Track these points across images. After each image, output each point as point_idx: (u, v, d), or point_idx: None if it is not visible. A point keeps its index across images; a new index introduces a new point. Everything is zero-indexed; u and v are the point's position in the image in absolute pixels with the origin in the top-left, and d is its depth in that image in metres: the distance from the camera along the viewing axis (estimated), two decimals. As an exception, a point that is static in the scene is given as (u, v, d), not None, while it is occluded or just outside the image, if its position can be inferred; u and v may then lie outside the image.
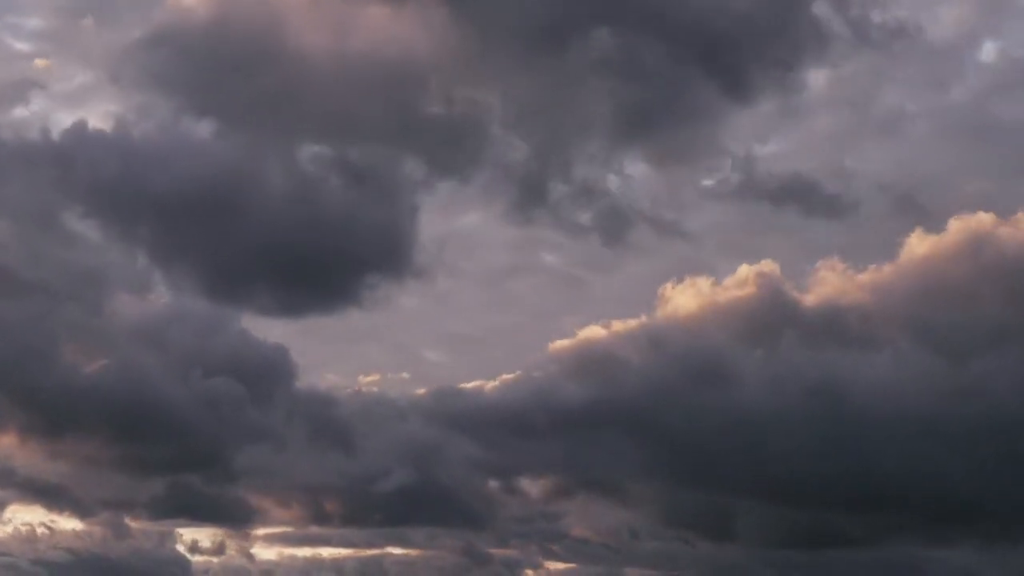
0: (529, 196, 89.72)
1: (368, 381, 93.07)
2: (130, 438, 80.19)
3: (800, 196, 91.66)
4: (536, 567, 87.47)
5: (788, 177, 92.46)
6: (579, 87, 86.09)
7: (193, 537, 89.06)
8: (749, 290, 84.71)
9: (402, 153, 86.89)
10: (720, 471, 79.99)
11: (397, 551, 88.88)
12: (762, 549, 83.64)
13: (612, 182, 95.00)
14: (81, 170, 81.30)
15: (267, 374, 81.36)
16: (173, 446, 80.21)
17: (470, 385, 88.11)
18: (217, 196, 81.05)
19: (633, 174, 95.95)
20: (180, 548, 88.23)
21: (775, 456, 77.78)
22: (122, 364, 78.43)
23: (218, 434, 79.57)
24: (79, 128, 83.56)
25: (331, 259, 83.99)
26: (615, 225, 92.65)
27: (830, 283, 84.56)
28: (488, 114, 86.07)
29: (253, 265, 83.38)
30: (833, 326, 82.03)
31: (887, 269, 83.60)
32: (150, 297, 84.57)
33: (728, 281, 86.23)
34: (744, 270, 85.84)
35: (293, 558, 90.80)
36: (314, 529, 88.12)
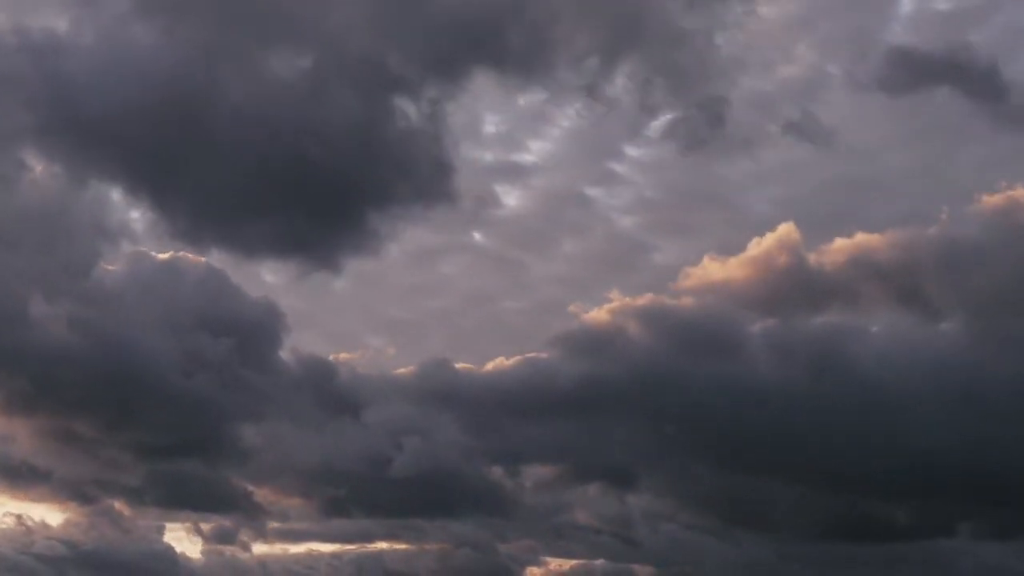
0: (584, 94, 79.21)
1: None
2: (103, 411, 73.52)
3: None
4: (539, 564, 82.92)
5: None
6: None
7: (182, 530, 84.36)
8: (766, 259, 79.45)
9: (411, 54, 73.08)
10: (746, 452, 74.17)
11: (398, 546, 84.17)
12: (792, 541, 77.39)
13: (703, 65, 79.77)
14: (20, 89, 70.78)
15: (256, 334, 74.41)
16: (149, 421, 73.32)
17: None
18: (178, 117, 69.86)
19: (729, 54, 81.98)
20: (170, 540, 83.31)
21: (808, 435, 72.34)
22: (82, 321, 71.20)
23: (204, 410, 72.71)
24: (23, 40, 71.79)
25: (327, 190, 72.69)
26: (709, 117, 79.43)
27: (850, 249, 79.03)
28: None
29: (228, 199, 73.17)
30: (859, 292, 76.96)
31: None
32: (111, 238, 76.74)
33: (743, 256, 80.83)
34: (755, 243, 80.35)
35: (287, 552, 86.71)
36: (310, 523, 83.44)
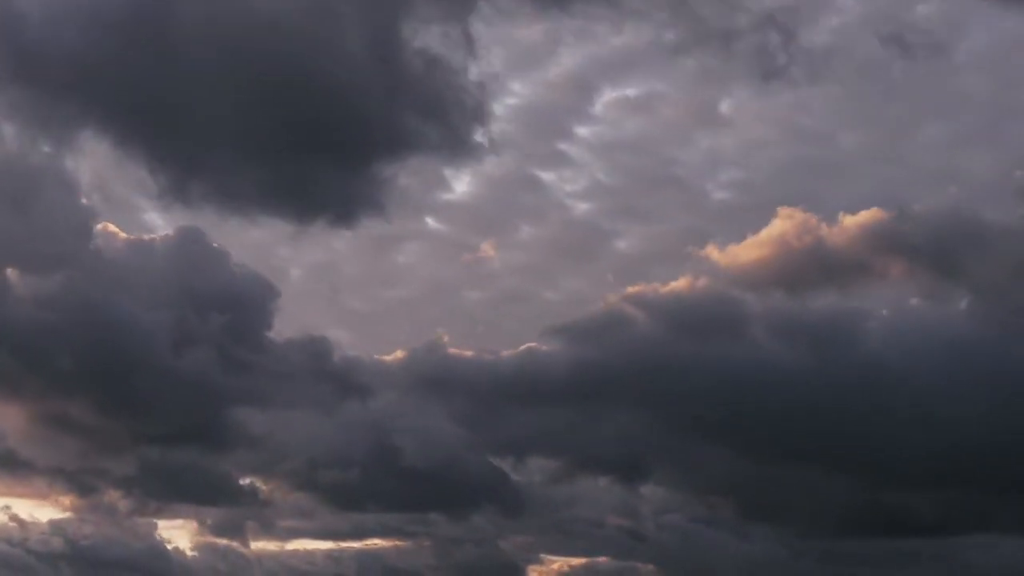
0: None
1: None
2: (90, 394, 69.78)
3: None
4: (541, 563, 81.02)
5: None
6: None
7: (177, 525, 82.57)
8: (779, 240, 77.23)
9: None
10: (759, 441, 71.36)
11: (398, 542, 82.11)
12: (805, 536, 74.88)
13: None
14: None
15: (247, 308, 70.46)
16: (139, 405, 69.36)
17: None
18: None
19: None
20: (164, 535, 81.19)
21: (824, 423, 69.45)
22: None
23: (196, 392, 68.69)
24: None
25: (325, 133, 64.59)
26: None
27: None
28: None
29: (213, 148, 65.78)
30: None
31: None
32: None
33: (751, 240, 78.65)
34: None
35: (283, 548, 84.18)
36: (308, 519, 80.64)
